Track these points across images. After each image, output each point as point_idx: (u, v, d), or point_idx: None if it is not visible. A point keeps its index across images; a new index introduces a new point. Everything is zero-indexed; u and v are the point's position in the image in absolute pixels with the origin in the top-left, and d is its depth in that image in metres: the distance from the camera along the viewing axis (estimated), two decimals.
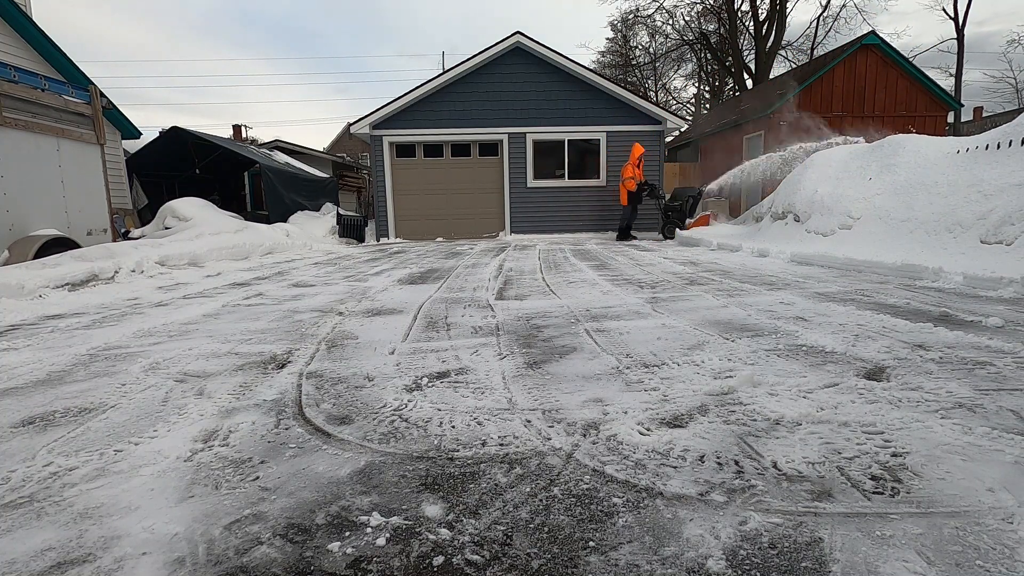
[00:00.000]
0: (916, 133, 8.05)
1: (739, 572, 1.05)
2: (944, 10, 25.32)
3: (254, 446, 1.68)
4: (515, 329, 3.21)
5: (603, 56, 33.88)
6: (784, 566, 1.07)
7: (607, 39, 39.29)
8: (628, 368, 2.36)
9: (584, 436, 1.69)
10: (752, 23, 25.46)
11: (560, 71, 13.12)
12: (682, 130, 17.96)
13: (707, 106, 31.50)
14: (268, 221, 11.95)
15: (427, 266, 7.09)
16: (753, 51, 25.83)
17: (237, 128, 24.65)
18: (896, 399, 1.90)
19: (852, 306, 3.57)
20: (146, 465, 1.56)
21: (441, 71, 13.77)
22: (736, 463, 1.48)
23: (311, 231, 11.96)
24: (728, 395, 1.99)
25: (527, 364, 2.48)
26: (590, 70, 13.69)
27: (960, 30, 24.52)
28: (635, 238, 11.69)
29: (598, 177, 13.57)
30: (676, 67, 31.81)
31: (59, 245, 6.46)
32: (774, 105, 14.30)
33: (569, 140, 13.44)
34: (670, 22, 29.78)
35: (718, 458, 1.51)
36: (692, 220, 11.06)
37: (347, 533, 1.22)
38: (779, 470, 1.44)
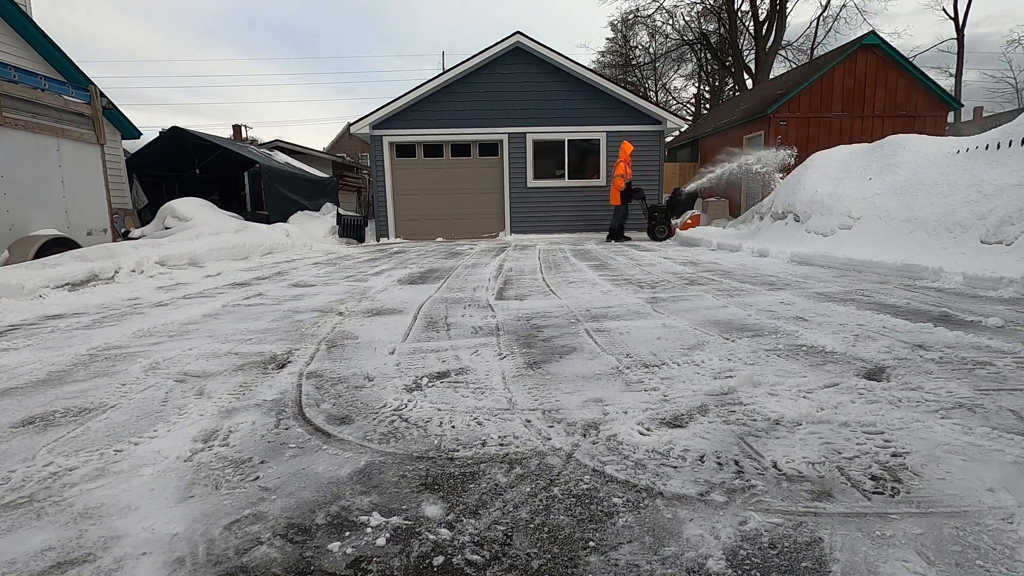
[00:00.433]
0: (909, 134, 8.06)
1: (739, 572, 1.05)
2: (944, 10, 25.38)
3: (254, 446, 1.68)
4: (515, 329, 3.21)
5: (603, 56, 33.95)
6: (784, 566, 1.07)
7: (607, 39, 39.35)
8: (628, 368, 2.36)
9: (584, 436, 1.69)
10: (752, 23, 25.47)
11: (560, 71, 13.12)
12: (682, 130, 17.97)
13: (707, 106, 31.51)
14: (268, 221, 11.95)
15: (427, 266, 7.09)
16: (753, 51, 25.84)
17: (237, 128, 24.65)
18: (896, 399, 1.90)
19: (852, 306, 3.57)
20: (146, 465, 1.56)
21: (441, 71, 13.78)
22: (736, 463, 1.48)
23: (311, 231, 11.97)
24: (728, 395, 1.99)
25: (527, 364, 2.48)
26: (590, 70, 13.69)
27: (960, 30, 24.55)
28: (628, 239, 11.68)
29: (598, 177, 13.57)
30: (676, 67, 31.87)
31: (59, 245, 6.46)
32: (774, 105, 14.30)
33: (569, 140, 13.44)
34: (670, 22, 29.83)
35: (718, 458, 1.51)
36: (678, 222, 11.12)
37: (347, 533, 1.22)
38: (779, 470, 1.44)
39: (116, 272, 5.79)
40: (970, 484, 1.34)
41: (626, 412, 1.86)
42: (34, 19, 10.03)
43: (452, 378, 2.30)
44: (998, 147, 5.87)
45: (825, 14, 26.47)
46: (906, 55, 14.98)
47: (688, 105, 34.14)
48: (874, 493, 1.32)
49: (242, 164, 16.03)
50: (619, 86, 14.14)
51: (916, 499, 1.29)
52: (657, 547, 1.14)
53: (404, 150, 13.53)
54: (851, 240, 6.54)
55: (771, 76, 23.48)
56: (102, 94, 8.22)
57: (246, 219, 11.04)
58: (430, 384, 2.23)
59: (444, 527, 1.23)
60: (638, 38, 31.92)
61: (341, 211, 13.96)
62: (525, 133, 13.32)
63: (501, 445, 1.64)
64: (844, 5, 32.72)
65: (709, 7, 26.79)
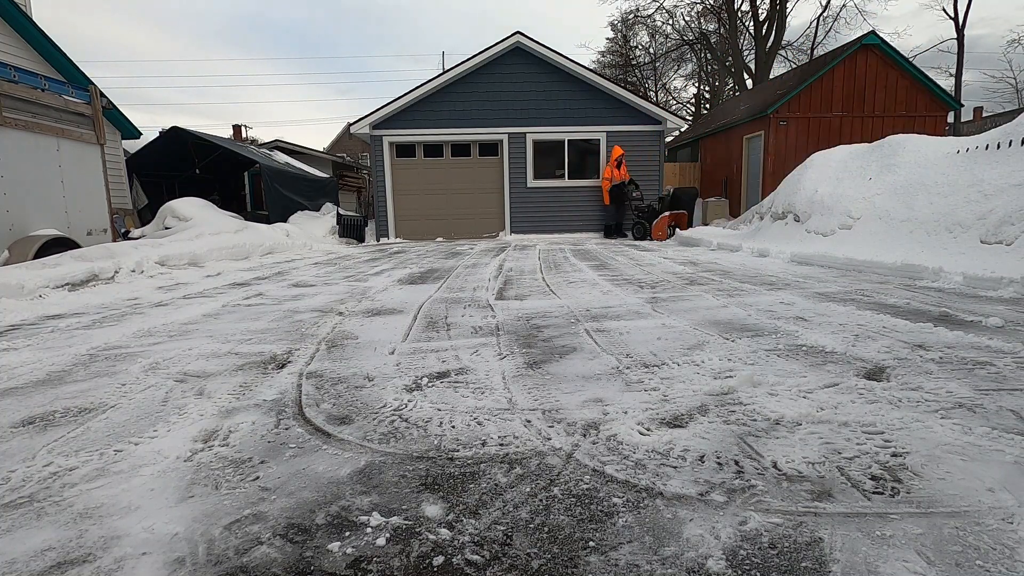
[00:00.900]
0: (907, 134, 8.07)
1: (739, 572, 1.05)
2: (944, 10, 25.35)
3: (254, 446, 1.68)
4: (515, 329, 3.21)
5: (603, 56, 33.93)
6: (784, 566, 1.07)
7: (607, 39, 39.34)
8: (628, 368, 2.36)
9: (584, 436, 1.69)
10: (752, 23, 25.49)
11: (560, 71, 13.12)
12: (682, 130, 17.98)
13: (707, 106, 31.51)
14: (268, 221, 11.95)
15: (427, 266, 7.09)
16: (753, 51, 25.85)
17: (237, 128, 24.66)
18: (896, 399, 1.90)
19: (852, 306, 3.57)
20: (146, 465, 1.56)
21: (441, 71, 13.77)
22: (736, 463, 1.48)
23: (311, 231, 11.96)
24: (728, 395, 1.99)
25: (527, 364, 2.48)
26: (590, 70, 13.68)
27: (960, 30, 24.53)
28: (625, 235, 11.75)
29: (598, 177, 13.56)
30: (676, 67, 31.87)
31: (59, 245, 6.45)
32: (774, 105, 14.30)
33: (569, 140, 13.44)
34: (670, 22, 29.88)
35: (718, 458, 1.51)
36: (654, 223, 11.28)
37: (347, 533, 1.22)
38: (779, 470, 1.44)
39: (116, 272, 5.79)
40: (970, 484, 1.34)
41: (626, 412, 1.86)
42: (34, 19, 10.03)
43: (452, 378, 2.30)
44: (998, 147, 5.87)
45: (825, 14, 26.50)
46: (906, 55, 14.99)
47: (688, 105, 34.16)
48: (874, 493, 1.32)
49: (242, 164, 16.04)
50: (619, 86, 14.13)
51: (916, 499, 1.29)
52: (657, 547, 1.14)
53: (404, 150, 13.52)
54: (851, 240, 6.54)
55: (771, 76, 23.49)
56: (102, 94, 8.21)
57: (246, 219, 11.04)
58: (430, 384, 2.23)
59: (444, 527, 1.23)
60: (638, 38, 31.96)
61: (341, 211, 13.95)
62: (525, 133, 13.31)
63: (501, 445, 1.64)
64: (844, 5, 32.84)
65: (709, 7, 26.81)
